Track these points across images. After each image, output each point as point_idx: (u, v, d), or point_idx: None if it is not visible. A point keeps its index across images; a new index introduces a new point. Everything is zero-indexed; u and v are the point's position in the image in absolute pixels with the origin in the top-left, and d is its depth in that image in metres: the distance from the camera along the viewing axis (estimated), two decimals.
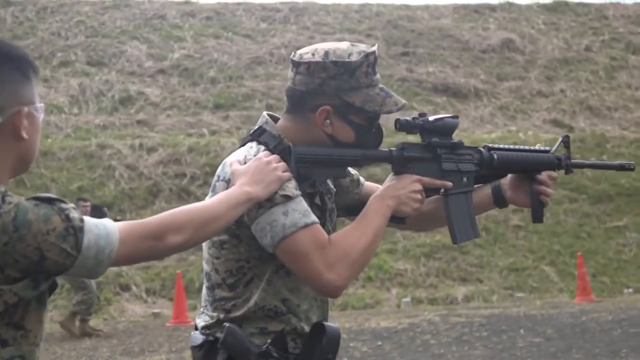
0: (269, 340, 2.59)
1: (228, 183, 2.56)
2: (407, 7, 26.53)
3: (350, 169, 2.89)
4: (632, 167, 3.13)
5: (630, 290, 16.09)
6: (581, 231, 18.64)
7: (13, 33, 22.85)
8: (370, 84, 2.64)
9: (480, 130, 21.27)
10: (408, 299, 15.07)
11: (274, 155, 2.57)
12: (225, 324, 2.60)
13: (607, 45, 25.42)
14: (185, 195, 17.61)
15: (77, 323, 11.83)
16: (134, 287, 15.20)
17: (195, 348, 2.67)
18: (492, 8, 26.96)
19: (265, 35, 23.87)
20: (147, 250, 2.21)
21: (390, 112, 2.66)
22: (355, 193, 2.92)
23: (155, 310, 13.82)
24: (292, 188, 2.53)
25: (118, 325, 13.12)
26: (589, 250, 18.11)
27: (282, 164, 2.55)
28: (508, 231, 18.39)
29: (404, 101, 2.70)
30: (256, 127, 2.70)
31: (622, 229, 18.72)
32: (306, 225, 2.50)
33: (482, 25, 25.76)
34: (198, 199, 17.93)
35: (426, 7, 26.55)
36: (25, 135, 2.11)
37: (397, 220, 2.70)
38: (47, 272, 2.02)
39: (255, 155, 2.58)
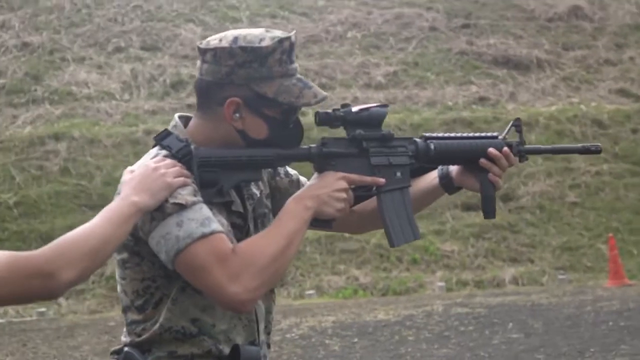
0: None
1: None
2: None
3: (289, 169, 2.69)
4: (599, 149, 2.79)
5: None
6: None
7: (70, 20, 22.99)
8: (285, 73, 2.42)
9: (540, 103, 20.56)
10: (442, 284, 14.65)
11: (167, 161, 2.37)
12: (125, 348, 2.43)
13: None
14: None
15: None
16: None
17: None
18: None
19: (322, 13, 23.50)
20: (37, 290, 2.05)
21: (308, 104, 2.43)
22: None
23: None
24: (185, 195, 2.31)
25: None
26: None
27: (174, 169, 2.34)
28: (564, 208, 17.73)
29: (324, 93, 2.48)
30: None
31: None
32: (204, 236, 2.27)
33: None
34: None
35: None
36: None
37: (322, 223, 2.47)
38: None
39: None
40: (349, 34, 22.51)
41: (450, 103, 19.96)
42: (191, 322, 2.41)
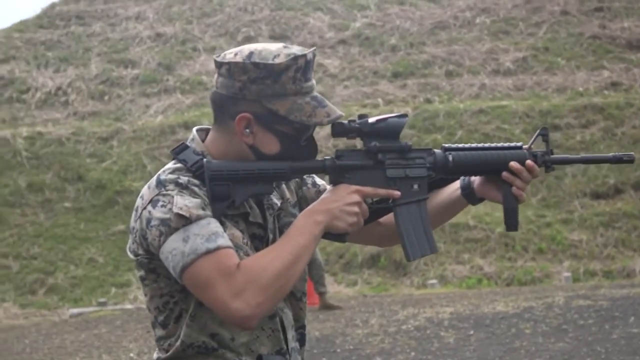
0: None
1: None
2: None
3: (316, 177, 2.69)
4: (632, 158, 2.67)
5: None
6: None
7: (202, 11, 23.45)
8: (299, 91, 2.41)
9: None
10: (568, 274, 14.36)
11: None
12: None
13: None
14: None
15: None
16: None
17: None
18: None
19: None
20: None
21: (320, 124, 2.41)
22: None
23: None
24: (191, 208, 2.32)
25: None
26: None
27: None
28: None
29: (339, 112, 2.45)
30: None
31: None
32: (208, 252, 2.29)
33: None
34: None
35: None
36: None
37: (335, 237, 2.46)
38: None
39: (168, 176, 2.40)
40: (478, 20, 22.25)
41: (581, 89, 19.53)
42: (210, 336, 2.43)
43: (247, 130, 2.41)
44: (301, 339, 2.60)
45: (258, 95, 2.40)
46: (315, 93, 2.45)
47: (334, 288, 14.34)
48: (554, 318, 9.94)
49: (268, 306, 2.32)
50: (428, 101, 19.27)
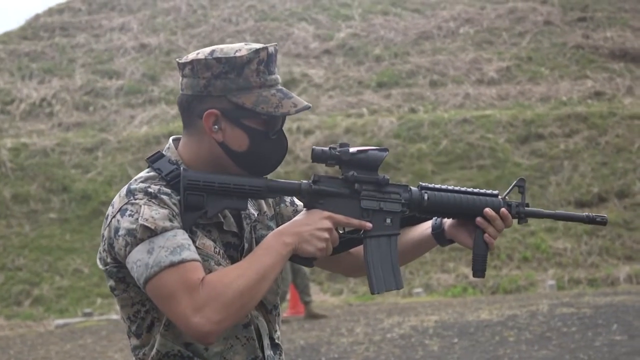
0: None
1: None
2: None
3: (295, 199, 2.70)
4: (605, 220, 2.67)
5: None
6: None
7: (186, 22, 23.47)
8: (263, 84, 2.42)
9: None
10: (552, 282, 14.42)
11: None
12: None
13: None
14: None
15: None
16: None
17: None
18: None
19: (434, 9, 23.42)
20: None
21: (287, 114, 2.42)
22: None
23: None
24: (157, 220, 2.32)
25: None
26: None
27: None
28: None
29: (305, 103, 2.47)
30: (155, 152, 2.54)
31: None
32: (172, 265, 2.28)
33: None
34: None
35: None
36: None
37: (302, 260, 2.46)
38: None
39: (139, 185, 2.38)
40: (462, 30, 22.36)
41: (564, 98, 19.63)
42: (185, 346, 2.43)
43: (216, 127, 2.42)
44: (275, 347, 2.61)
45: (223, 91, 2.41)
46: (280, 86, 2.47)
47: (319, 297, 14.36)
48: (537, 326, 9.99)
49: (228, 323, 2.32)
50: (412, 111, 19.33)
